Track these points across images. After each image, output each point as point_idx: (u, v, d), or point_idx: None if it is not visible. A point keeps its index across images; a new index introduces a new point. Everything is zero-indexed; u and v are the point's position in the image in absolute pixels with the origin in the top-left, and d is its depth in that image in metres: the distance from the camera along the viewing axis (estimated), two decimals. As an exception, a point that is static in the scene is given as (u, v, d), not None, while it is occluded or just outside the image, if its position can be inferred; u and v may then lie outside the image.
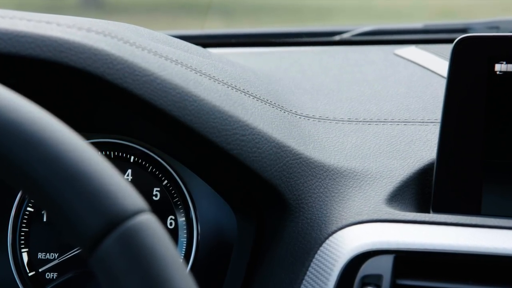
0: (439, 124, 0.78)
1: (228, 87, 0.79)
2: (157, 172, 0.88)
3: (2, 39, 0.68)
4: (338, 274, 0.69)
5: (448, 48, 0.79)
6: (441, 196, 0.77)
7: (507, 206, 0.76)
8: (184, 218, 0.87)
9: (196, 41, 1.00)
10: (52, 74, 0.70)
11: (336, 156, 0.81)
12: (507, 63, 0.77)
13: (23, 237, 0.86)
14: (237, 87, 0.81)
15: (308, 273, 0.73)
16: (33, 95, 0.59)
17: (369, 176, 0.78)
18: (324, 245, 0.73)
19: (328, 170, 0.78)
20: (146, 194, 0.87)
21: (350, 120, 0.88)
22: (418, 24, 1.37)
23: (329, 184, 0.78)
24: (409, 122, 0.87)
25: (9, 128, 0.47)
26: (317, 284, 0.71)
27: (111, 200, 0.46)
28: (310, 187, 0.77)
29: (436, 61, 1.07)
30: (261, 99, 0.83)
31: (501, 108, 0.77)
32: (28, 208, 0.87)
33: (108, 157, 0.87)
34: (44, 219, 0.87)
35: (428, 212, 0.78)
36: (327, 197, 0.77)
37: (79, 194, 0.46)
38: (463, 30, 1.32)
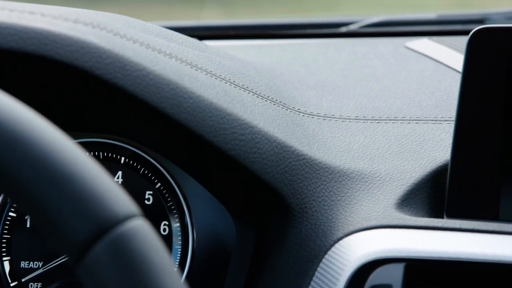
0: (453, 122, 0.78)
1: (226, 83, 0.80)
2: (149, 174, 0.88)
3: (-17, 31, 0.68)
4: (345, 284, 0.70)
5: (463, 41, 0.79)
6: (455, 200, 0.77)
7: (526, 210, 0.76)
8: (178, 224, 0.87)
9: (191, 33, 1.00)
10: (37, 69, 0.70)
11: (343, 157, 0.81)
12: (526, 56, 0.77)
13: (4, 245, 0.86)
14: (236, 83, 0.81)
15: (312, 283, 0.73)
16: (16, 91, 0.59)
17: (378, 178, 0.79)
18: (329, 252, 0.73)
19: (333, 172, 0.79)
20: (138, 197, 0.87)
21: (357, 118, 0.88)
22: (431, 15, 1.38)
23: (334, 187, 0.78)
24: (421, 120, 0.87)
25: (-10, 127, 0.47)
26: (322, 295, 0.71)
27: (100, 204, 0.46)
28: (314, 190, 0.77)
29: (450, 55, 1.08)
30: (261, 96, 0.83)
31: (520, 105, 0.77)
32: (10, 213, 0.87)
33: (97, 158, 0.88)
34: (28, 225, 0.87)
35: (442, 217, 0.78)
36: (332, 201, 0.77)
37: (65, 198, 0.46)
38: (480, 21, 1.33)
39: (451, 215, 0.77)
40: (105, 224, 0.46)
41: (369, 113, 0.89)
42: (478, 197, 0.77)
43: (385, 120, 0.88)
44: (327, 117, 0.88)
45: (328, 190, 0.77)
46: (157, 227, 0.87)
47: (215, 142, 0.74)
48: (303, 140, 0.80)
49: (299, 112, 0.86)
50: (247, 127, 0.76)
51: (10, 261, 0.86)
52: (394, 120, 0.88)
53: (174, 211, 0.88)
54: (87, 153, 0.49)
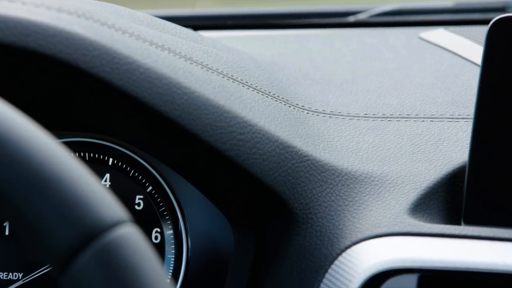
0: (471, 120, 0.78)
1: (223, 77, 0.80)
2: (140, 177, 0.88)
3: (-42, 21, 0.68)
4: (353, 297, 0.70)
5: (483, 31, 0.79)
6: (474, 205, 0.77)
7: (551, 216, 0.77)
8: (171, 231, 0.87)
9: (186, 22, 1.00)
10: (17, 62, 0.71)
11: (350, 158, 0.81)
12: (551, 48, 0.77)
13: (-19, 254, 0.87)
14: (234, 77, 0.81)
15: (317, 295, 0.73)
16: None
17: (389, 181, 0.79)
18: (336, 262, 0.73)
19: (340, 174, 0.79)
20: (127, 202, 0.88)
21: (366, 116, 0.88)
22: (447, 2, 1.38)
23: (341, 191, 0.78)
24: (437, 118, 0.87)
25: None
26: (328, 308, 0.72)
27: (86, 209, 0.47)
28: (319, 194, 0.77)
29: (468, 46, 1.08)
30: (262, 92, 0.83)
31: (544, 101, 0.77)
32: (-12, 219, 0.87)
33: (82, 159, 0.88)
34: (6, 232, 0.87)
35: (459, 224, 0.78)
36: (339, 206, 0.77)
37: (48, 202, 0.46)
38: (501, 9, 1.33)
39: (469, 222, 0.77)
40: (92, 231, 0.46)
41: (379, 110, 0.89)
42: (498, 202, 0.77)
43: (397, 118, 0.88)
44: (333, 114, 0.88)
45: (334, 194, 0.78)
46: (148, 234, 0.87)
47: (211, 141, 0.74)
48: (308, 140, 0.80)
49: (303, 109, 0.86)
50: (246, 125, 0.76)
51: (-12, 272, 0.87)
52: (407, 118, 0.88)
53: (167, 217, 0.88)
54: (72, 154, 0.49)
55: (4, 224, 0.87)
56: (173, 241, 0.87)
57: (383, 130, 0.86)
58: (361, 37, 1.22)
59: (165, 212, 0.88)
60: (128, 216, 0.48)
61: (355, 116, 0.88)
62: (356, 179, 0.79)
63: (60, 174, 0.47)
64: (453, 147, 0.83)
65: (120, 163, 0.88)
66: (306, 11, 1.38)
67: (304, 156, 0.78)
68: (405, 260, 0.70)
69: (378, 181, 0.79)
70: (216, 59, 0.82)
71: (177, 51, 0.78)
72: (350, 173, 0.79)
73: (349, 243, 0.74)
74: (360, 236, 0.74)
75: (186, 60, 0.78)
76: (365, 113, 0.89)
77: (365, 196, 0.78)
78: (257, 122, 0.77)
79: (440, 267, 0.69)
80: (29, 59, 0.70)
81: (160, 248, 0.87)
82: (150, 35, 0.78)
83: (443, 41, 1.12)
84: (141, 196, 0.88)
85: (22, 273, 0.87)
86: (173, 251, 0.87)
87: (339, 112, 0.88)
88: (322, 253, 0.75)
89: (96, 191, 0.48)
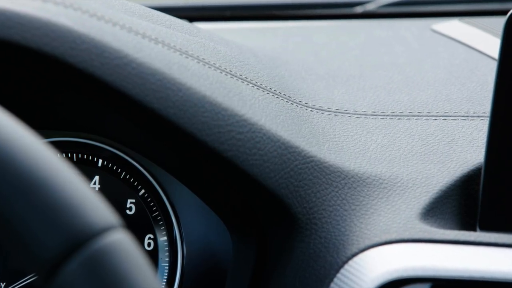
0: (487, 118, 0.78)
1: (221, 73, 0.80)
2: (131, 180, 0.88)
3: None
4: (360, 308, 0.70)
5: (500, 22, 0.79)
6: (490, 209, 0.77)
7: None
8: (165, 237, 0.88)
9: (181, 13, 1.00)
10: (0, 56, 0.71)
11: (358, 159, 0.81)
12: None
13: (-38, 262, 0.87)
14: (233, 73, 0.81)
15: (322, 306, 0.73)
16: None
17: (399, 184, 0.79)
18: (342, 271, 0.73)
19: (347, 176, 0.79)
20: (118, 206, 0.88)
21: (375, 114, 0.88)
22: (462, -8, 1.38)
23: (348, 195, 0.78)
24: (450, 116, 0.87)
25: None
26: (334, 320, 0.72)
27: (73, 214, 0.47)
28: (324, 198, 0.77)
29: (484, 39, 1.08)
30: (262, 88, 0.83)
31: None
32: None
33: (70, 160, 0.88)
34: (-11, 239, 0.87)
35: (474, 230, 0.78)
36: (345, 210, 0.77)
37: (33, 206, 0.46)
38: (519, -1, 1.33)
39: (485, 227, 0.77)
40: (80, 237, 0.46)
41: (388, 108, 0.89)
42: (517, 206, 0.77)
43: (408, 116, 0.88)
44: (339, 112, 0.88)
45: (340, 198, 0.78)
46: (140, 241, 0.87)
47: (208, 141, 0.74)
48: (311, 140, 0.80)
49: (307, 106, 0.86)
50: (245, 124, 0.76)
51: (-32, 281, 0.87)
52: (418, 116, 0.88)
53: (161, 223, 0.88)
54: (60, 155, 0.49)
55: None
56: (167, 248, 0.87)
57: (392, 129, 0.86)
58: (369, 29, 1.22)
59: (159, 217, 0.88)
60: (119, 221, 0.48)
61: (363, 114, 0.88)
62: (364, 181, 0.79)
63: (46, 177, 0.47)
64: (467, 148, 0.83)
65: (110, 164, 0.88)
66: (310, 2, 1.38)
67: (308, 157, 0.78)
68: (417, 269, 0.70)
69: (387, 183, 0.79)
70: (214, 53, 0.82)
71: (172, 44, 0.78)
72: (357, 175, 0.79)
73: (356, 250, 0.74)
74: (368, 242, 0.74)
75: (181, 54, 0.78)
76: (373, 111, 0.89)
77: (373, 200, 0.78)
78: (257, 121, 0.77)
79: (454, 276, 0.69)
80: (13, 52, 0.70)
81: (153, 256, 0.87)
82: (142, 27, 0.78)
83: (457, 33, 1.12)
84: (133, 200, 0.88)
85: (4, 283, 0.87)
86: (167, 259, 0.87)
87: (345, 110, 0.88)
88: (327, 261, 0.75)
89: (84, 195, 0.48)
